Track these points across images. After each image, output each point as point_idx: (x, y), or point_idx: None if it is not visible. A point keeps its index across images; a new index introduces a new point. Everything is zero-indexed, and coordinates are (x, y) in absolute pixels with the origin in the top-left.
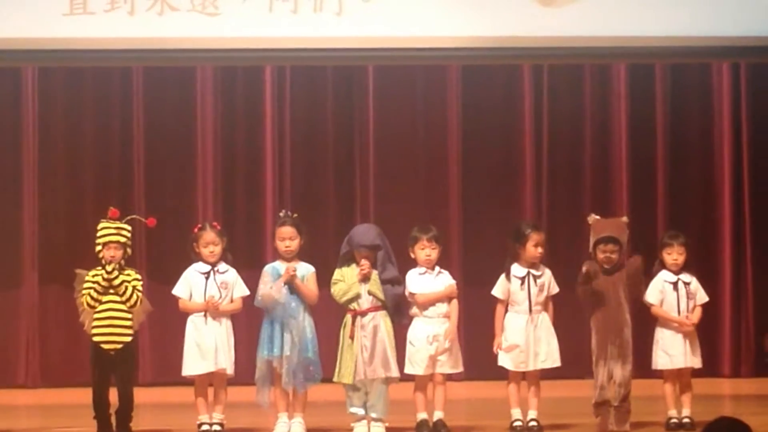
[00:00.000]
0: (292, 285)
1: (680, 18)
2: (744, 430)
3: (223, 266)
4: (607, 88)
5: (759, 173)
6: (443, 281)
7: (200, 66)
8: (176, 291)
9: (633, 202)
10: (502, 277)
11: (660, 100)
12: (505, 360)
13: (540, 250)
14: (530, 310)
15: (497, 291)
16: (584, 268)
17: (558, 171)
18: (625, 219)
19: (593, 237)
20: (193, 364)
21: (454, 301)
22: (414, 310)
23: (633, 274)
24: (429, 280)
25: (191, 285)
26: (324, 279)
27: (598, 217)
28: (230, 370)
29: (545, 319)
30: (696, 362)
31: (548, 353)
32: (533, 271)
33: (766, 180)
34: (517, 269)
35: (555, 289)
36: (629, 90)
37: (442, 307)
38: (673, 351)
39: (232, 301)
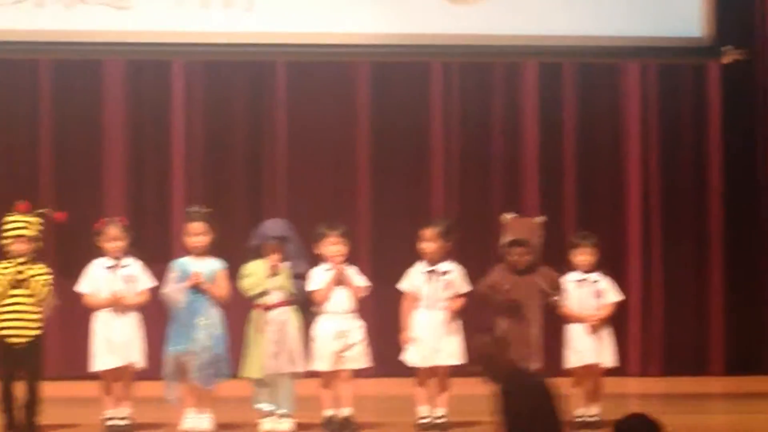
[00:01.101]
0: (200, 289)
1: (590, 18)
2: (653, 427)
3: (127, 260)
4: (517, 87)
5: (667, 173)
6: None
7: (109, 59)
8: (80, 287)
9: (542, 202)
10: (410, 271)
11: (569, 99)
12: (410, 356)
13: (431, 245)
14: (435, 306)
15: (404, 284)
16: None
17: (468, 169)
18: (539, 219)
19: (505, 237)
20: (101, 359)
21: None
22: (320, 306)
23: (554, 288)
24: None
25: (95, 280)
26: (233, 274)
27: (512, 215)
28: (141, 363)
29: (450, 316)
30: (608, 360)
31: (451, 350)
32: (439, 268)
33: (675, 180)
34: (424, 265)
35: (464, 288)
36: (539, 89)
37: (348, 304)
38: (581, 348)
39: (138, 294)
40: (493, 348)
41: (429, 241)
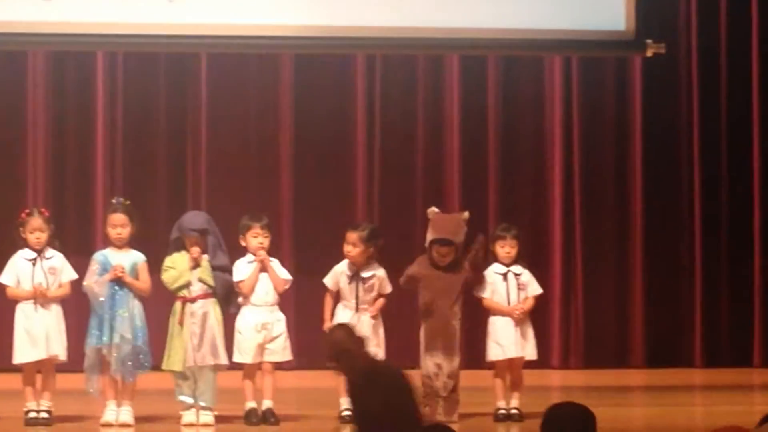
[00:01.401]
0: (122, 282)
1: (513, 10)
2: (585, 415)
3: (50, 252)
4: (440, 79)
5: (589, 166)
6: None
7: (31, 52)
8: (2, 279)
9: (465, 194)
10: (335, 268)
11: (492, 92)
12: None
13: (355, 249)
14: (357, 308)
15: (327, 280)
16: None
17: (390, 161)
18: (465, 215)
19: (429, 235)
20: (23, 352)
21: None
22: (242, 298)
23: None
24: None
25: (18, 272)
26: (155, 267)
27: (437, 211)
28: (63, 356)
29: (366, 321)
30: (529, 353)
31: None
32: (362, 273)
33: (597, 173)
34: (348, 267)
35: (387, 289)
36: (462, 82)
37: (270, 296)
38: (504, 341)
39: (60, 286)
40: (347, 343)
41: (352, 245)
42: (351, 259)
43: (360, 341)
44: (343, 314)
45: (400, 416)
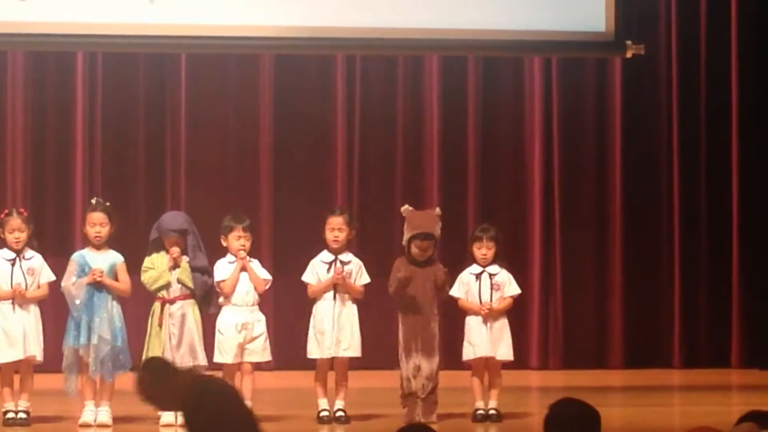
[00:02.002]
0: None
1: (493, 11)
2: (588, 412)
3: (29, 253)
4: (420, 80)
5: (568, 167)
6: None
7: (10, 51)
8: None
9: (444, 194)
10: (311, 262)
11: (472, 93)
12: (312, 348)
13: (336, 234)
14: (335, 298)
15: (308, 276)
16: (401, 275)
17: (369, 162)
18: (438, 211)
19: (408, 231)
20: (1, 352)
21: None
22: (222, 299)
23: (440, 286)
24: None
25: None
26: (133, 268)
27: (411, 208)
28: (39, 357)
29: (350, 308)
30: (504, 354)
31: (350, 342)
32: (341, 258)
33: (576, 174)
34: (325, 255)
35: (364, 280)
36: (442, 82)
37: (250, 296)
38: (476, 341)
39: (38, 287)
40: (149, 379)
41: (338, 229)
42: (339, 243)
43: (173, 371)
44: (322, 307)
45: (239, 424)
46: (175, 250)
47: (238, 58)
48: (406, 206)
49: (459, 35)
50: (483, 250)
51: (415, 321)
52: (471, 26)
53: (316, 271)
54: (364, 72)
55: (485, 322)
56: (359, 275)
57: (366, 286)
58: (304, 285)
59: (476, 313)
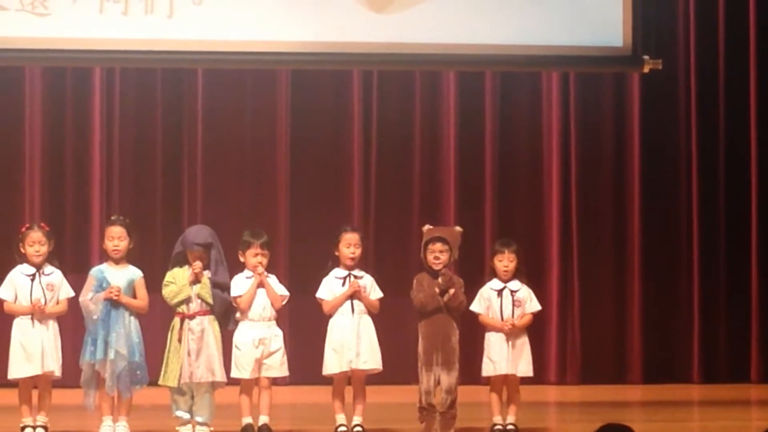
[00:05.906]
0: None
1: (510, 26)
2: None
3: (48, 268)
4: (437, 96)
5: (586, 183)
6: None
7: (29, 66)
8: (1, 294)
9: (461, 210)
10: (325, 280)
11: (489, 107)
12: (329, 363)
13: (353, 251)
14: (352, 311)
15: (323, 293)
16: (440, 280)
17: (387, 177)
18: (459, 228)
19: (425, 238)
20: (19, 367)
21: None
22: (238, 314)
23: (457, 307)
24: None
25: (16, 287)
26: (151, 284)
27: (431, 227)
28: (58, 372)
29: (367, 322)
30: (524, 370)
31: (370, 356)
32: (354, 273)
33: (594, 189)
34: (339, 272)
35: (377, 294)
36: (459, 97)
37: (267, 311)
38: (496, 357)
39: (57, 303)
40: None
41: (355, 246)
42: (354, 260)
43: None
44: (339, 322)
45: None
46: (197, 265)
47: (255, 77)
48: (428, 226)
49: (476, 50)
50: (505, 262)
51: (434, 334)
52: (488, 41)
53: (331, 287)
54: (380, 90)
55: (507, 338)
56: (372, 290)
57: (380, 301)
58: (319, 302)
59: (498, 330)
